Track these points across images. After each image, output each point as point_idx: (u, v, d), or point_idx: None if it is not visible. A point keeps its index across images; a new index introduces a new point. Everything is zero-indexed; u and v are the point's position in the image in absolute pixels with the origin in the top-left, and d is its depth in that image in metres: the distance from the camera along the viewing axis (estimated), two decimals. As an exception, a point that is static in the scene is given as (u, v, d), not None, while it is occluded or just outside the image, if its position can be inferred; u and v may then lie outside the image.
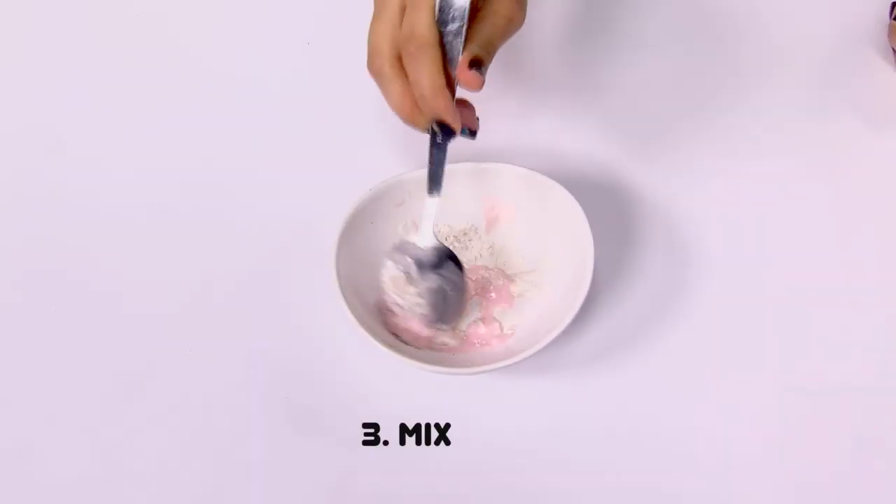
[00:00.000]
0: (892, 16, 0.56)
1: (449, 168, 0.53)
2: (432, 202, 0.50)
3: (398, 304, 0.52)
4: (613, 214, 0.57)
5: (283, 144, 0.62)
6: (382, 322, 0.53)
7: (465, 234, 0.56)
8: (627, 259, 0.56)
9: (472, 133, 0.49)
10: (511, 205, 0.56)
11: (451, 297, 0.52)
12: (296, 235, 0.58)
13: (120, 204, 0.60)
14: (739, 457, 0.51)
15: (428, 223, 0.51)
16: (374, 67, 0.47)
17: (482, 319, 0.54)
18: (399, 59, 0.46)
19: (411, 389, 0.54)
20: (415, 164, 0.55)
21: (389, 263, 0.51)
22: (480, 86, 0.46)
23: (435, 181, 0.49)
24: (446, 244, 0.52)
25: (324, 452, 0.53)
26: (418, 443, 0.53)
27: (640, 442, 0.52)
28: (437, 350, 0.53)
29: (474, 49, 0.46)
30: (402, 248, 0.51)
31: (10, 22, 0.67)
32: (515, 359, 0.48)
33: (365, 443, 0.53)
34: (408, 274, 0.51)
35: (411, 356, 0.49)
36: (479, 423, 0.53)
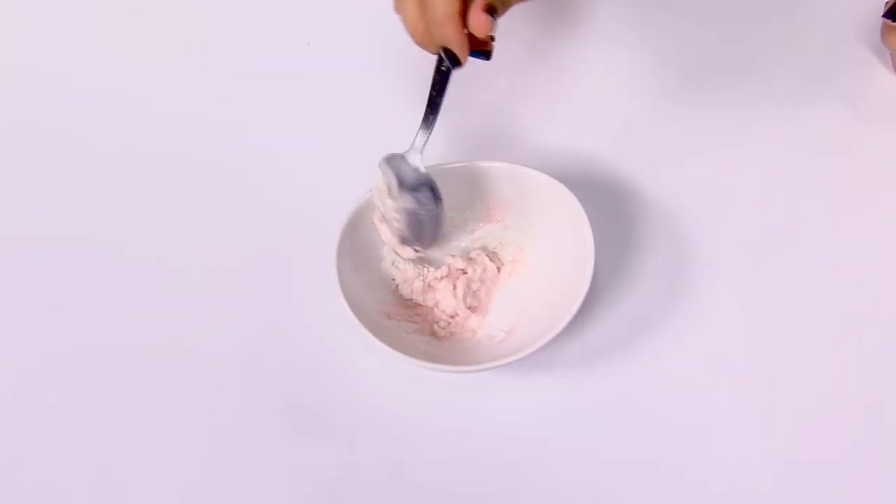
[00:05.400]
0: (884, 14, 0.56)
1: (450, 167, 0.54)
2: (425, 129, 0.51)
3: (381, 215, 0.53)
4: (614, 213, 0.57)
5: (282, 145, 0.62)
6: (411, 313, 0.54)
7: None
8: (627, 259, 0.56)
9: (487, 55, 0.48)
10: (512, 203, 0.56)
11: (426, 224, 0.53)
12: (296, 235, 0.58)
13: (120, 204, 0.60)
14: (739, 456, 0.51)
15: (419, 143, 0.51)
16: None
17: (474, 310, 0.55)
18: None
19: (411, 388, 0.54)
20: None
21: (378, 171, 0.52)
22: (488, 31, 0.46)
23: (433, 108, 0.50)
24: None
25: (324, 452, 0.53)
26: (418, 442, 0.53)
27: (640, 441, 0.52)
28: (453, 340, 0.53)
29: None
30: (391, 160, 0.52)
31: (10, 20, 0.67)
32: (515, 357, 0.48)
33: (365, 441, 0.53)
34: (389, 187, 0.52)
35: (411, 354, 0.49)
36: (479, 421, 0.53)
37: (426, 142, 0.51)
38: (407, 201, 0.52)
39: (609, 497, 0.51)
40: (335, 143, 0.62)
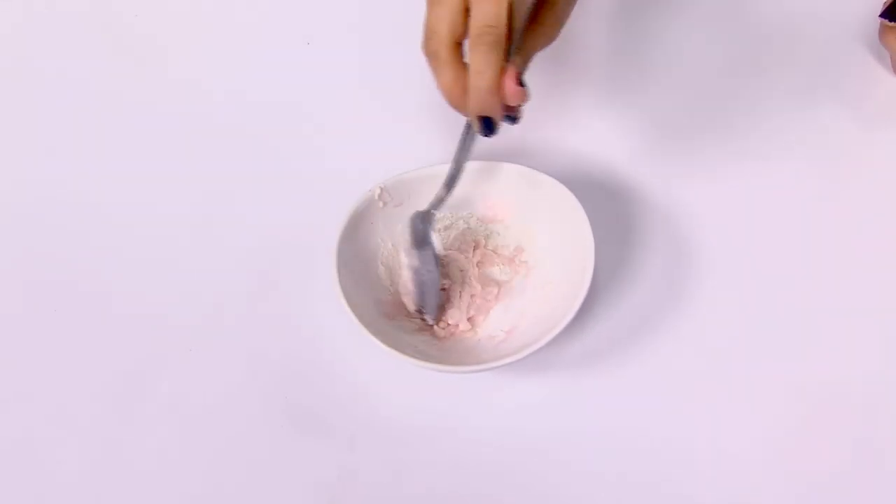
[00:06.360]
0: (881, 14, 0.56)
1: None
2: (444, 193, 0.52)
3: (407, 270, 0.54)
4: (614, 214, 0.57)
5: (282, 144, 0.62)
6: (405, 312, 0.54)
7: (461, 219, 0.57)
8: (628, 259, 0.56)
9: (514, 119, 0.48)
10: (512, 203, 0.56)
11: (428, 288, 0.53)
12: (296, 235, 0.58)
13: (120, 204, 0.60)
14: (738, 457, 0.51)
15: (436, 202, 0.52)
16: (430, 48, 0.46)
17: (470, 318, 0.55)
18: (457, 46, 0.45)
19: (411, 388, 0.54)
20: (415, 165, 0.55)
21: (405, 228, 0.53)
22: (524, 100, 0.45)
23: (458, 170, 0.51)
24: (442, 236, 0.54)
25: (324, 452, 0.53)
26: (418, 442, 0.53)
27: (640, 442, 0.52)
28: (445, 336, 0.54)
29: (519, 63, 0.45)
30: (414, 216, 0.53)
31: (11, 20, 0.67)
32: (515, 357, 0.48)
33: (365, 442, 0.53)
34: (406, 246, 0.53)
35: (411, 355, 0.49)
36: (479, 421, 0.53)
37: (444, 201, 0.52)
38: (414, 258, 0.53)
39: (609, 497, 0.51)
40: (335, 143, 0.62)
